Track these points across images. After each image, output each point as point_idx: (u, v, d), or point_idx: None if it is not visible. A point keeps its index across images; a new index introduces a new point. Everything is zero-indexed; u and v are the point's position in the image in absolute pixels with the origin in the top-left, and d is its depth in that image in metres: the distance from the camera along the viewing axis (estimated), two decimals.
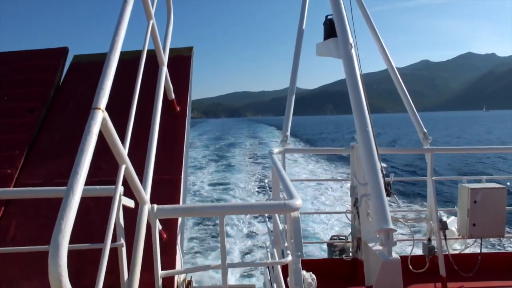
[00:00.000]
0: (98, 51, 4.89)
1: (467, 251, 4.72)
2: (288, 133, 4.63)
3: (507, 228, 4.48)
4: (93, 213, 2.80)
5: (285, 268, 2.12)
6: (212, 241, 12.32)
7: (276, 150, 4.20)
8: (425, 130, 4.67)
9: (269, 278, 4.09)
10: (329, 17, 4.38)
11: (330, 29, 4.34)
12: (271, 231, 3.58)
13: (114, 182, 1.74)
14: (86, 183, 1.30)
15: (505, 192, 4.27)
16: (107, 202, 1.90)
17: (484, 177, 4.58)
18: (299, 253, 1.92)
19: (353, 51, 4.01)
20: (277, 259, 2.87)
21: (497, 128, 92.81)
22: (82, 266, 2.51)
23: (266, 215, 4.01)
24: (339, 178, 21.97)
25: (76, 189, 1.23)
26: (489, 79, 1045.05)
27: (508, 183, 5.96)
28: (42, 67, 4.24)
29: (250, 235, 12.89)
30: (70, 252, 1.12)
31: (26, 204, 3.07)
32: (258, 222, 13.70)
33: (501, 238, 6.96)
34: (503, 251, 7.78)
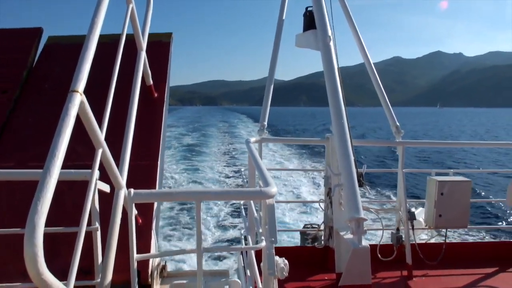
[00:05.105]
0: (72, 33, 4.73)
1: (432, 240, 4.93)
2: (266, 123, 4.64)
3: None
4: (67, 197, 2.74)
5: (258, 254, 2.16)
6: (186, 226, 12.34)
7: (253, 139, 4.21)
8: (398, 124, 4.81)
9: (243, 264, 4.14)
10: (309, 8, 4.39)
11: (310, 21, 4.35)
12: (246, 218, 3.61)
13: (89, 166, 1.72)
14: (61, 167, 1.28)
15: (470, 185, 4.47)
16: (81, 186, 1.87)
17: (451, 170, 4.78)
18: (273, 239, 1.96)
19: (331, 43, 4.05)
20: (251, 245, 2.90)
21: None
22: (55, 249, 2.46)
23: (242, 202, 4.03)
24: (313, 168, 22.24)
25: (53, 171, 1.21)
26: (454, 78, 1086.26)
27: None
28: (14, 48, 4.06)
29: (224, 224, 12.95)
30: (44, 236, 1.10)
31: None
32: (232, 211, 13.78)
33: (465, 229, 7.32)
34: (466, 241, 8.20)
